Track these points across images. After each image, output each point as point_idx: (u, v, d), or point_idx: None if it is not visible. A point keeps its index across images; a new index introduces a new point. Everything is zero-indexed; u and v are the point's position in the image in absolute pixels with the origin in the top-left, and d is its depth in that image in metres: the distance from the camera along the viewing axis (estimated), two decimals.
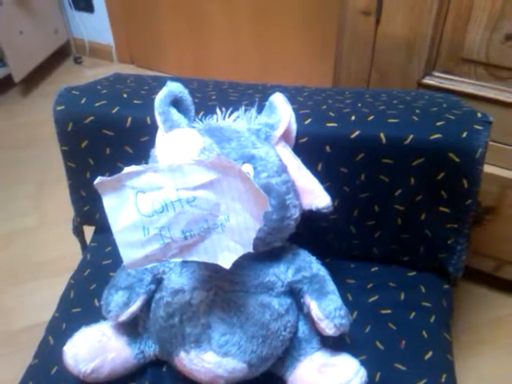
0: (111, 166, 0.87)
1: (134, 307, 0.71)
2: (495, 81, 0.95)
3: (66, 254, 1.36)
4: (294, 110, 0.78)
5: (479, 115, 0.79)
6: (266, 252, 0.71)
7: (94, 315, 0.77)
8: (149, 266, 0.69)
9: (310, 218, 0.75)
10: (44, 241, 1.52)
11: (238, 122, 0.76)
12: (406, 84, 1.02)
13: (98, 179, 0.56)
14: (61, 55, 2.39)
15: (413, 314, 0.84)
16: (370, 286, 0.89)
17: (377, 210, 0.85)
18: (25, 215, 1.62)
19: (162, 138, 0.72)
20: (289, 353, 0.73)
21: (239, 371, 0.68)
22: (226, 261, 0.59)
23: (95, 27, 2.32)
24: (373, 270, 0.92)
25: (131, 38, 2.28)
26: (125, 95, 0.87)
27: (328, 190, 0.75)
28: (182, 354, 0.69)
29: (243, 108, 0.78)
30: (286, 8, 1.79)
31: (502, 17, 0.87)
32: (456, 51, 0.95)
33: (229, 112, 0.78)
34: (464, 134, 0.76)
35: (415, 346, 0.80)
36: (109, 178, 0.56)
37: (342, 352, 0.72)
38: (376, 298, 0.87)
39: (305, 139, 0.80)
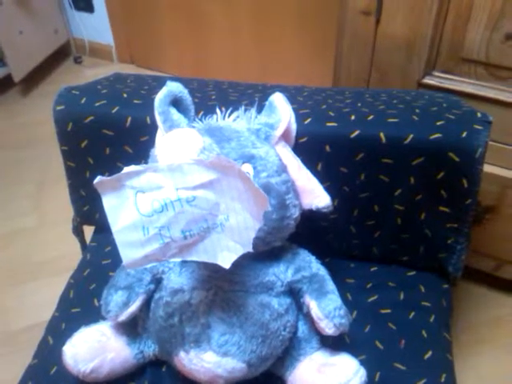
0: (111, 166, 0.87)
1: (134, 307, 0.71)
2: (495, 80, 0.95)
3: (65, 253, 1.36)
4: (294, 109, 0.78)
5: (479, 115, 0.79)
6: (266, 252, 0.71)
7: (93, 315, 0.77)
8: (148, 266, 0.69)
9: (310, 217, 0.75)
10: (44, 240, 1.52)
11: (238, 121, 0.76)
12: (406, 84, 1.02)
13: (98, 179, 0.56)
14: (61, 55, 2.39)
15: (412, 313, 0.84)
16: (369, 285, 0.89)
17: (377, 210, 0.85)
18: (24, 215, 1.62)
19: (161, 137, 0.72)
20: (288, 352, 0.73)
21: (239, 371, 0.68)
22: (226, 260, 0.59)
23: (95, 27, 2.32)
24: (372, 269, 0.92)
25: (131, 37, 2.28)
26: (125, 95, 0.87)
27: (328, 189, 0.75)
28: (182, 354, 0.69)
29: (243, 108, 0.78)
30: (285, 8, 1.79)
31: (502, 16, 0.87)
32: (456, 51, 0.95)
33: (229, 112, 0.78)
34: (464, 134, 0.76)
35: (415, 345, 0.80)
36: (108, 178, 0.56)
37: (341, 352, 0.72)
38: (375, 297, 0.87)
39: (304, 139, 0.80)
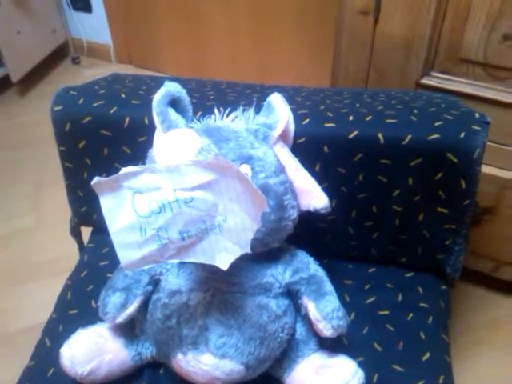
0: (109, 167, 0.86)
1: (131, 308, 0.71)
2: (493, 81, 0.95)
3: (63, 254, 1.36)
4: (292, 110, 0.77)
5: (477, 115, 0.79)
6: (264, 253, 0.71)
7: (90, 316, 0.77)
8: (146, 267, 0.68)
9: (308, 218, 0.75)
10: (41, 241, 1.52)
11: (236, 122, 0.75)
12: (404, 84, 1.02)
13: (96, 179, 0.56)
14: (59, 55, 2.38)
15: (410, 315, 0.84)
16: (367, 287, 0.89)
17: (375, 211, 0.85)
18: (22, 216, 1.62)
19: (159, 138, 0.72)
20: (286, 354, 0.73)
21: (236, 373, 0.68)
22: (224, 262, 0.58)
23: (93, 27, 2.32)
24: (370, 270, 0.92)
25: (129, 38, 2.28)
26: (123, 95, 0.87)
27: (326, 190, 0.75)
28: (179, 356, 0.68)
29: (241, 108, 0.78)
30: (283, 8, 1.79)
31: (500, 16, 0.87)
32: (454, 51, 0.95)
33: (227, 112, 0.78)
34: (462, 135, 0.76)
35: (413, 347, 0.79)
36: (106, 179, 0.56)
37: (339, 353, 0.72)
38: (374, 299, 0.86)
39: (303, 139, 0.80)
